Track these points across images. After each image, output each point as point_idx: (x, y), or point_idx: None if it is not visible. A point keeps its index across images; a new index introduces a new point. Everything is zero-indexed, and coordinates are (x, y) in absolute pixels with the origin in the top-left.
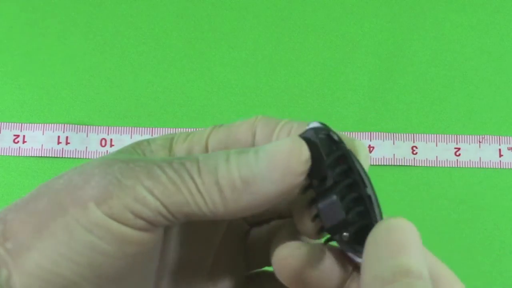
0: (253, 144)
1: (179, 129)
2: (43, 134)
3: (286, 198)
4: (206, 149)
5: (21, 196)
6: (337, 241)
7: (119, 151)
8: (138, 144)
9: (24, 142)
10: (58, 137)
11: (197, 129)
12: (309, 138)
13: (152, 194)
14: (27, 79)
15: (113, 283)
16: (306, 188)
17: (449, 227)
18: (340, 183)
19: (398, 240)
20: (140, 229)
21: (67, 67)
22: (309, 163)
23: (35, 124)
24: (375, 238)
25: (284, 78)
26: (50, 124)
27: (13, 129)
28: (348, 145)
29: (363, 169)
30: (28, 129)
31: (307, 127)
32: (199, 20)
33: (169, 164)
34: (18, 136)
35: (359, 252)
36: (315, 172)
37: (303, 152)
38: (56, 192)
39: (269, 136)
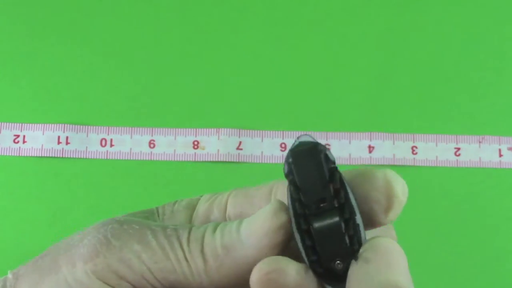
0: None
1: (179, 129)
2: (43, 134)
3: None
4: (224, 212)
5: (20, 196)
6: (323, 272)
7: (140, 211)
8: (164, 206)
9: (24, 142)
10: (58, 137)
11: (219, 193)
12: (302, 162)
13: (139, 258)
14: (27, 79)
15: None
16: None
17: (449, 227)
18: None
19: (386, 258)
20: None
21: (67, 67)
22: (285, 227)
23: (35, 124)
24: (363, 256)
25: (284, 78)
26: (50, 124)
27: (13, 129)
28: (378, 178)
29: (352, 194)
30: (28, 129)
31: (298, 141)
32: (199, 20)
33: (162, 230)
34: (18, 136)
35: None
36: (306, 194)
37: (279, 218)
38: (57, 250)
39: None
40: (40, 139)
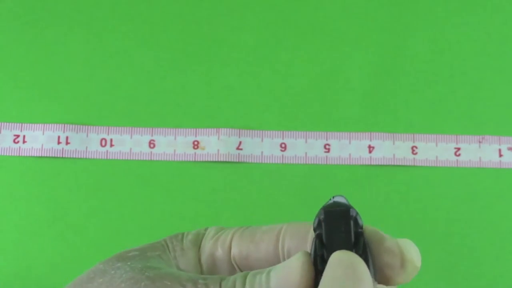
0: (276, 255)
1: (179, 129)
2: (43, 134)
3: None
4: (229, 253)
5: (20, 196)
6: None
7: (151, 247)
8: (171, 239)
9: (24, 142)
10: (58, 137)
11: (224, 229)
12: (333, 222)
13: None
14: (27, 79)
15: None
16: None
17: (449, 227)
18: None
19: (354, 269)
20: None
21: (67, 67)
22: (313, 281)
23: (35, 124)
24: (328, 269)
25: (284, 78)
26: (50, 124)
27: (13, 129)
28: (391, 247)
29: (371, 258)
30: (28, 129)
31: (332, 200)
32: (199, 20)
33: (193, 285)
34: (18, 136)
35: None
36: (330, 252)
37: (308, 269)
38: None
39: (302, 246)
40: (40, 139)
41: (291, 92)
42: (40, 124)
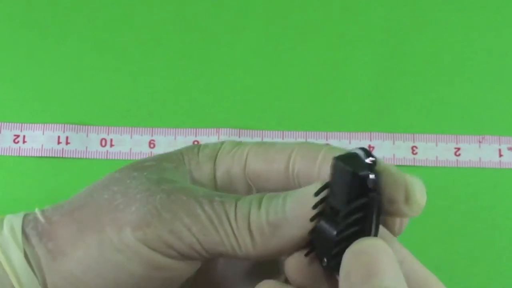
0: (286, 176)
1: (179, 129)
2: (43, 134)
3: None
4: (243, 169)
5: (20, 196)
6: (319, 262)
7: (168, 158)
8: (188, 151)
9: (24, 142)
10: (58, 137)
11: (242, 143)
12: (340, 170)
13: (190, 231)
14: (27, 79)
15: None
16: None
17: (449, 227)
18: (349, 218)
19: (369, 262)
20: (171, 257)
21: (67, 67)
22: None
23: (35, 124)
24: (345, 264)
25: (284, 78)
26: (50, 124)
27: (13, 129)
28: (399, 181)
29: (378, 218)
30: (28, 129)
31: (352, 151)
32: (198, 20)
33: (209, 202)
34: (18, 136)
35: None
36: (333, 197)
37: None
38: (99, 207)
39: (310, 170)
40: (40, 139)
41: (291, 92)
42: (40, 124)
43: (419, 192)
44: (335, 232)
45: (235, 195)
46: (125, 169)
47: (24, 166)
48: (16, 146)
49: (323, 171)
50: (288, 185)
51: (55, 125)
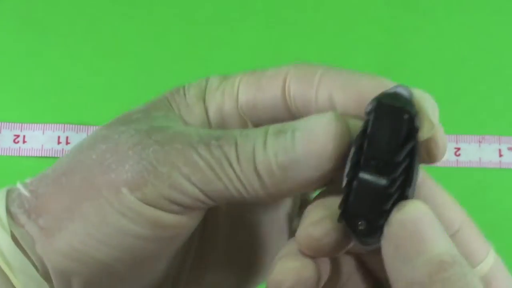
0: (284, 102)
1: None
2: (43, 134)
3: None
4: (236, 102)
5: None
6: (349, 228)
7: (154, 107)
8: (173, 95)
9: (24, 142)
10: (58, 137)
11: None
12: (383, 119)
13: (190, 181)
14: (27, 79)
15: (148, 264)
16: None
17: None
18: (400, 166)
19: (415, 232)
20: (176, 213)
21: (67, 67)
22: (348, 148)
23: (35, 124)
24: (392, 235)
25: None
26: (50, 124)
27: (13, 129)
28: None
29: (418, 167)
30: (28, 129)
31: (394, 90)
32: (198, 20)
33: (206, 147)
34: (18, 136)
35: (369, 245)
36: (373, 144)
37: (342, 137)
38: (88, 169)
39: (307, 97)
40: (40, 139)
41: None
42: (40, 124)
43: (432, 109)
44: (386, 182)
45: (234, 131)
46: (111, 124)
47: (24, 166)
48: (16, 146)
49: (321, 95)
50: (287, 112)
51: (55, 125)
